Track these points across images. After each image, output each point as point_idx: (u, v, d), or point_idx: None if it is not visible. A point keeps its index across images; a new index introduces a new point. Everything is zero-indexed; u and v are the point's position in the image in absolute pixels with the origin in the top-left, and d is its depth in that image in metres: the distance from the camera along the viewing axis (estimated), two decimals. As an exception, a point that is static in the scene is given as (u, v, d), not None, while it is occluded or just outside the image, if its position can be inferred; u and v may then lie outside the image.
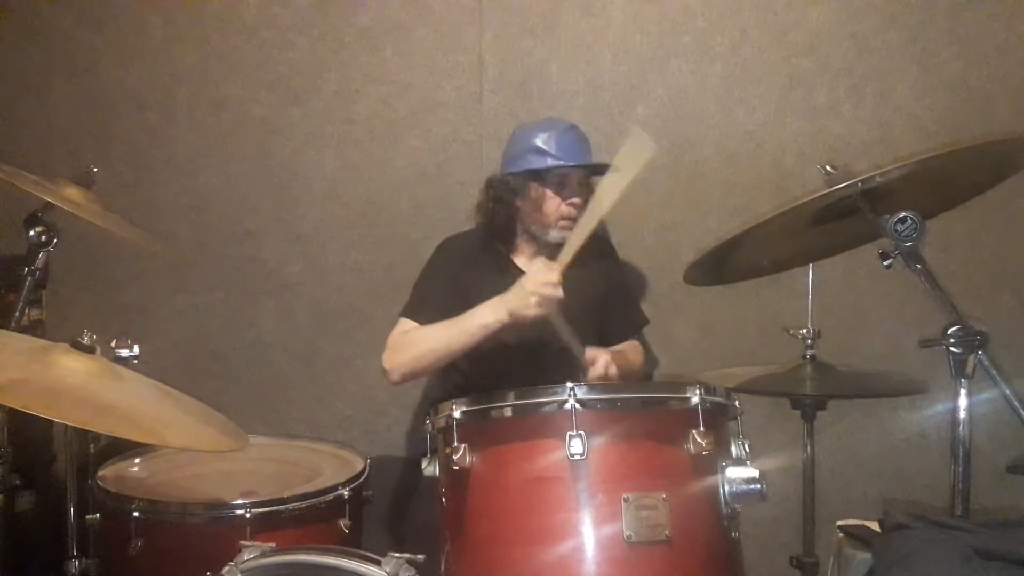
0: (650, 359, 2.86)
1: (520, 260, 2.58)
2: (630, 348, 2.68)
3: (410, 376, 2.44)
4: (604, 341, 2.53)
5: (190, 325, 3.12)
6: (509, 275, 2.44)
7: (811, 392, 2.34)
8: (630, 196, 2.65)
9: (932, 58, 2.88)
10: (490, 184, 2.59)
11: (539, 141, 2.49)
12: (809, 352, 2.36)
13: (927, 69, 2.88)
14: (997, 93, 2.87)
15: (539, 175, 2.49)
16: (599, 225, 2.68)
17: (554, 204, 2.49)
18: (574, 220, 2.46)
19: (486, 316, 2.29)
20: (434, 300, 2.48)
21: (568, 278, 2.23)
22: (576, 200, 2.49)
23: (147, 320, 3.09)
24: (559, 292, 2.21)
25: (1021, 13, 2.85)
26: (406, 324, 2.47)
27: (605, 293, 2.66)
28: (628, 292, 2.80)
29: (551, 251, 2.49)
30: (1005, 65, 2.86)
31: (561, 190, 2.49)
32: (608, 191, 2.27)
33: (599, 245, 2.70)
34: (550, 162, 2.47)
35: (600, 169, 2.50)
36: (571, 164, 2.48)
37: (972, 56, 2.87)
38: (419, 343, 2.40)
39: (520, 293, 2.24)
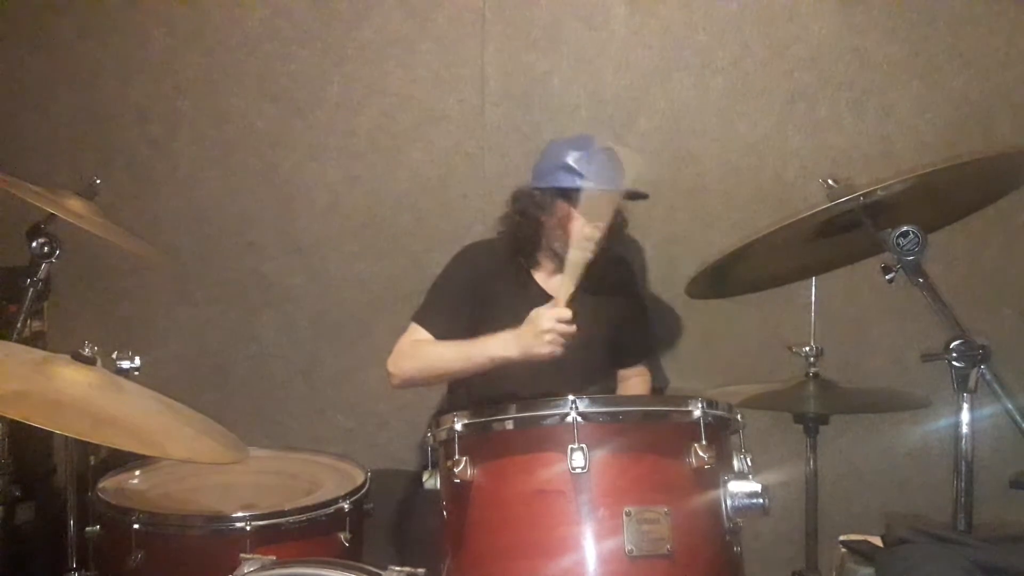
0: (659, 378, 2.86)
1: (540, 276, 2.55)
2: (638, 379, 2.69)
3: (410, 384, 2.47)
4: (616, 363, 2.53)
5: (191, 337, 3.12)
6: (528, 291, 2.43)
7: (814, 410, 2.34)
8: (632, 208, 2.67)
9: (934, 73, 2.89)
10: (517, 197, 2.56)
11: (571, 160, 2.43)
12: (812, 370, 2.36)
13: (929, 84, 2.89)
14: (998, 108, 2.87)
15: (567, 194, 2.43)
16: (619, 246, 2.68)
17: (579, 225, 2.43)
18: (598, 242, 2.44)
19: (495, 349, 2.28)
20: (447, 309, 2.47)
21: (586, 299, 2.22)
22: (601, 223, 2.44)
23: (148, 332, 3.08)
24: (573, 328, 2.20)
25: (1022, 28, 2.85)
26: (416, 331, 2.45)
27: (621, 316, 2.64)
28: (644, 316, 2.78)
29: None
30: (1006, 80, 2.87)
31: (587, 212, 2.42)
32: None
33: (619, 267, 2.70)
34: (580, 183, 2.41)
35: (631, 196, 2.49)
36: (600, 187, 2.41)
37: (973, 71, 2.87)
38: (425, 357, 2.41)
39: (534, 331, 2.22)
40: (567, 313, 2.21)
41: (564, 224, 2.45)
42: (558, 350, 2.21)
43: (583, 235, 2.44)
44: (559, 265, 2.53)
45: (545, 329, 2.20)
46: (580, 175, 2.42)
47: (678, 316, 2.95)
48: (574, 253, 2.44)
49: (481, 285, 2.51)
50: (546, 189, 2.48)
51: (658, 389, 2.82)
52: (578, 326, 2.24)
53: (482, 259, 2.57)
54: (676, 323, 2.94)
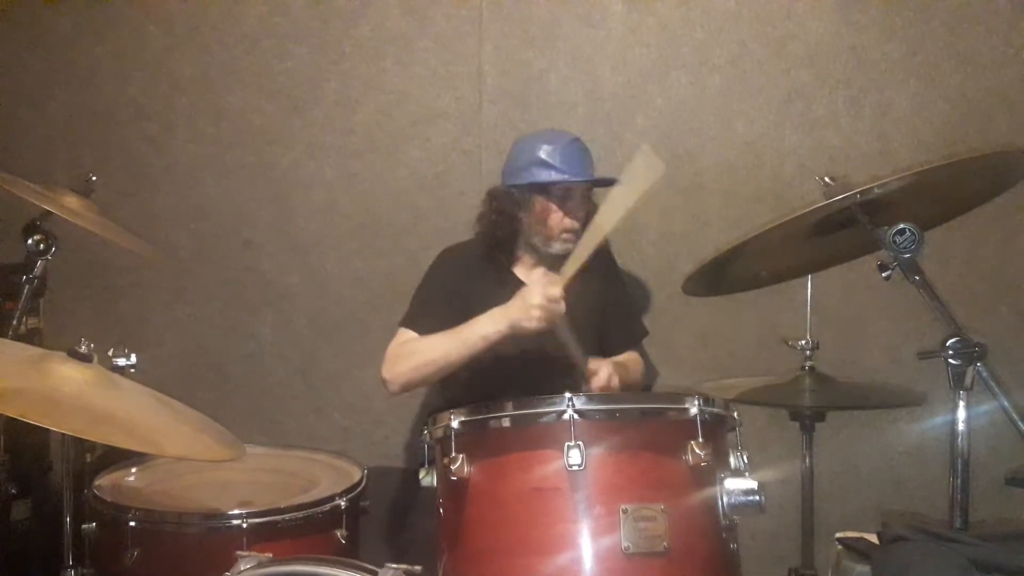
0: (649, 370, 2.86)
1: (520, 271, 2.57)
2: (630, 359, 2.67)
3: (409, 387, 2.43)
4: (604, 352, 2.53)
5: (188, 335, 3.12)
6: (509, 286, 2.43)
7: (810, 404, 2.34)
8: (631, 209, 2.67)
9: (931, 71, 2.88)
10: (492, 196, 2.57)
11: (543, 154, 2.46)
12: (808, 363, 2.36)
13: (926, 82, 2.89)
14: (995, 106, 2.87)
15: (544, 188, 2.46)
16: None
17: (558, 218, 2.47)
18: (576, 233, 2.45)
19: (486, 327, 2.28)
20: (433, 311, 2.47)
21: (569, 288, 2.23)
22: (579, 214, 2.47)
23: (145, 329, 3.08)
24: (562, 306, 2.20)
25: (1019, 27, 2.85)
26: (405, 334, 2.45)
27: (605, 304, 2.65)
28: (628, 303, 2.79)
29: (552, 263, 2.49)
30: (1003, 78, 2.87)
31: (565, 204, 2.47)
32: (613, 207, 2.26)
33: (600, 255, 2.69)
34: (555, 176, 2.45)
35: (605, 184, 2.50)
36: (577, 179, 2.46)
37: (971, 69, 2.87)
38: (418, 353, 2.40)
39: (522, 305, 2.23)
40: (557, 291, 2.20)
41: (542, 218, 2.48)
42: (547, 324, 2.21)
43: (563, 227, 2.48)
44: (538, 258, 2.55)
45: (534, 304, 2.21)
46: (555, 168, 2.46)
47: (675, 313, 2.95)
48: (556, 247, 2.46)
49: (463, 286, 2.51)
50: (521, 185, 2.49)
51: (647, 386, 2.82)
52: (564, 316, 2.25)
53: (461, 261, 2.58)
54: (673, 320, 2.94)
